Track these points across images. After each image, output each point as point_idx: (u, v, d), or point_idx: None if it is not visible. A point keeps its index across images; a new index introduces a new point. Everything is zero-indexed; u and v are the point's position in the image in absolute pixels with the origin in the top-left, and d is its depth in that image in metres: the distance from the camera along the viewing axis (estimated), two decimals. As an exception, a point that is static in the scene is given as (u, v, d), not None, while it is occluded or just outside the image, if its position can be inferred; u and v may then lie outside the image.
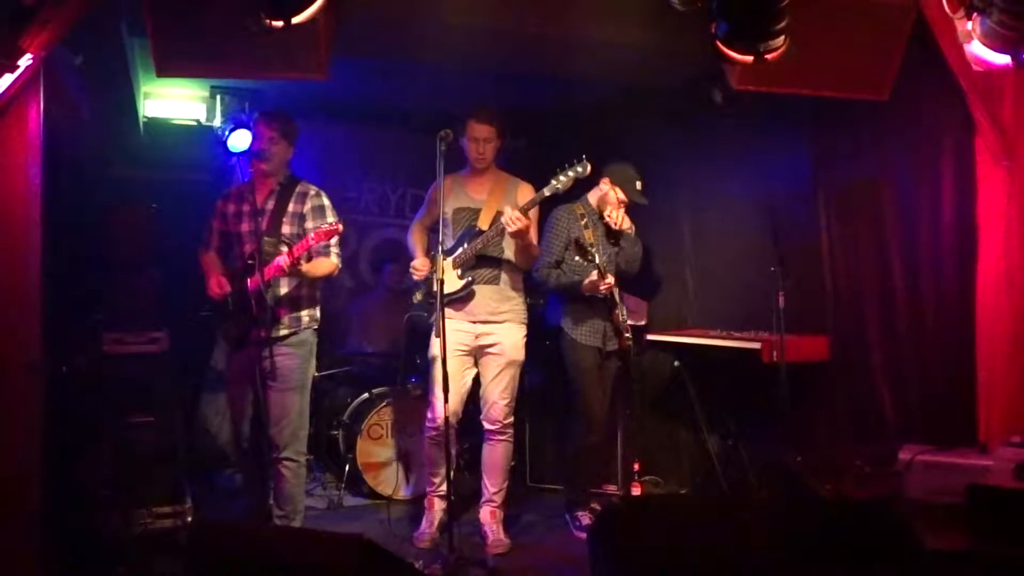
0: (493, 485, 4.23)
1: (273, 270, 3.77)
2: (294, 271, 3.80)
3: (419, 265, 4.24)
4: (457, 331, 4.09)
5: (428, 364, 4.21)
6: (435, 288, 4.09)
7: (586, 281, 4.37)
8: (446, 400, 3.84)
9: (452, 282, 4.10)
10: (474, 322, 4.14)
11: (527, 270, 4.35)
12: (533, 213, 4.14)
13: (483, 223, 4.15)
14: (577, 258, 4.33)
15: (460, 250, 4.14)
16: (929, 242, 4.12)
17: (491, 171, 4.27)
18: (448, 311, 4.07)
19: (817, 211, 4.66)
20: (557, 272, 4.46)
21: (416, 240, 4.37)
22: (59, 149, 3.70)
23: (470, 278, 4.12)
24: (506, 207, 4.01)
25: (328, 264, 3.93)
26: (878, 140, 4.37)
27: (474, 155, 4.18)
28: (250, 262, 3.78)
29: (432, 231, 4.33)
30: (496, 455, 4.22)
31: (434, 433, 4.15)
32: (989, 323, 3.76)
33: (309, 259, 3.88)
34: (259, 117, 4.01)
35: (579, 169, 3.99)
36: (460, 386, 4.11)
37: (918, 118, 4.13)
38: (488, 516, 4.21)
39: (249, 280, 3.78)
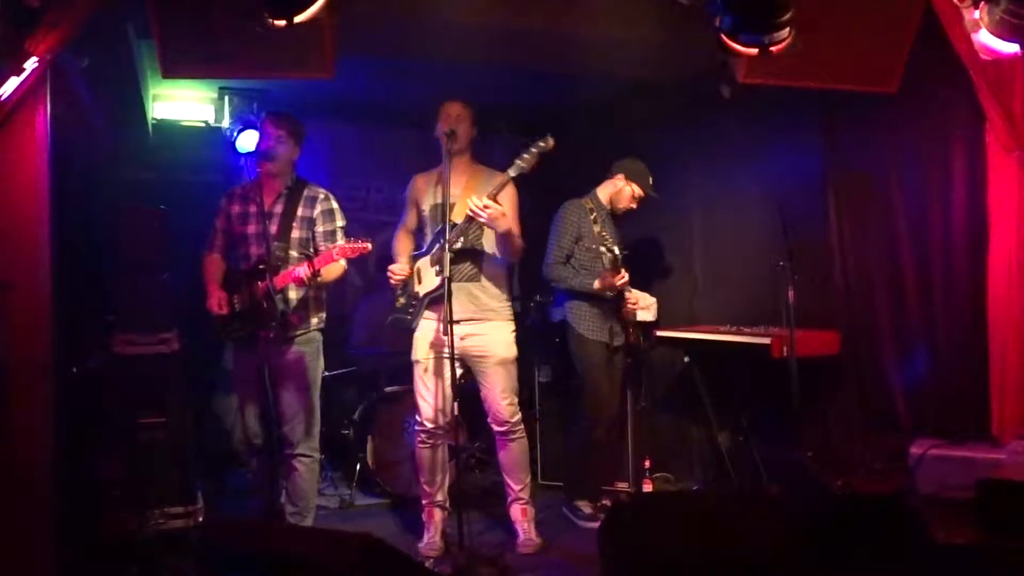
0: (517, 483, 4.14)
1: (289, 279, 3.74)
2: (312, 283, 3.78)
3: (396, 269, 4.07)
4: (439, 333, 3.96)
5: (412, 367, 4.11)
6: (415, 290, 4.07)
7: (596, 283, 4.39)
8: (455, 397, 3.82)
9: (430, 280, 4.00)
10: (457, 322, 3.86)
11: (513, 263, 4.22)
12: (511, 201, 3.99)
13: (457, 217, 3.92)
14: (592, 246, 4.31)
15: (436, 247, 3.95)
16: (940, 235, 4.09)
17: (467, 164, 4.09)
18: (428, 312, 4.03)
19: (827, 205, 4.64)
20: (570, 271, 4.48)
21: (400, 246, 4.22)
22: (67, 151, 3.72)
23: (447, 275, 3.87)
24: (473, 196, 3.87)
25: (338, 268, 3.91)
26: (887, 133, 4.34)
27: (445, 128, 3.92)
28: (261, 267, 3.77)
29: (416, 234, 4.24)
30: (513, 455, 4.12)
31: (424, 436, 4.08)
32: (1001, 315, 3.73)
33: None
34: (267, 117, 4.00)
35: (541, 144, 3.82)
36: (445, 389, 3.97)
37: (928, 110, 4.10)
38: (519, 514, 4.14)
39: (259, 284, 3.77)
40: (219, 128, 5.12)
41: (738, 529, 2.81)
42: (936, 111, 4.07)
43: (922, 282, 4.18)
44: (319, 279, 3.81)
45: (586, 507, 4.48)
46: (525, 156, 3.82)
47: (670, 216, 5.28)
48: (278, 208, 3.93)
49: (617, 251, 4.31)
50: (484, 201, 3.76)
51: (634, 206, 4.67)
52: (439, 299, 3.91)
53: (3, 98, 3.13)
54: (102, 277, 4.37)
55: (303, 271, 3.70)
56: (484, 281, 4.05)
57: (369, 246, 3.74)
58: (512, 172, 3.84)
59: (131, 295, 4.30)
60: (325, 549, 2.56)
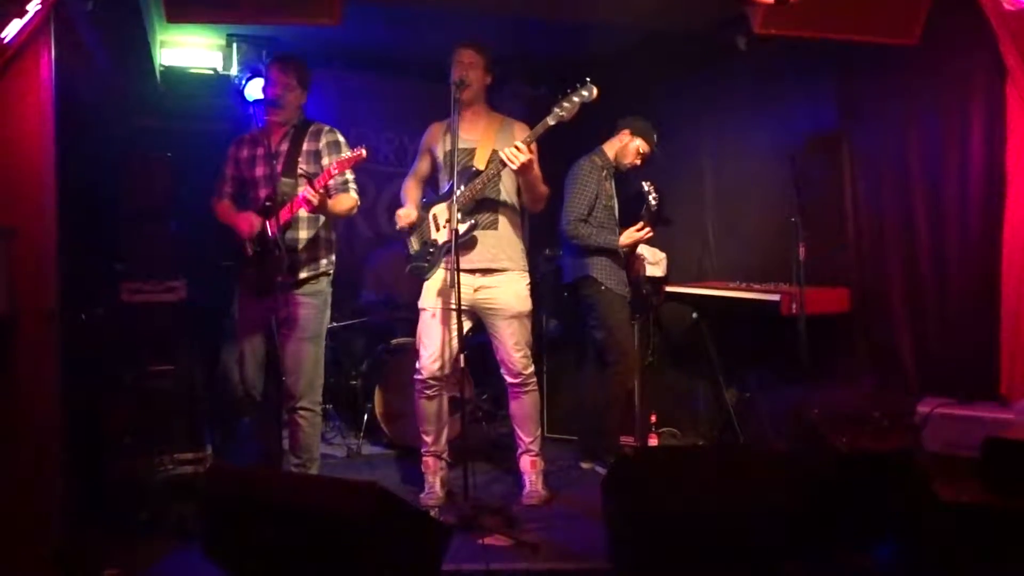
0: (527, 435, 4.13)
1: (298, 204, 3.68)
2: (321, 205, 3.70)
3: (403, 213, 4.04)
4: (449, 282, 3.85)
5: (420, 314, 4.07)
6: (432, 237, 4.01)
7: (623, 238, 4.42)
8: (462, 349, 3.80)
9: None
10: (473, 272, 3.89)
11: (536, 212, 4.15)
12: (535, 148, 3.90)
13: (479, 163, 3.89)
14: (608, 203, 4.29)
15: (457, 193, 3.83)
16: (955, 192, 4.01)
17: (483, 111, 4.06)
18: (444, 261, 3.96)
19: (841, 160, 4.56)
20: (592, 229, 4.46)
21: (408, 192, 4.19)
22: (72, 96, 3.67)
23: (472, 222, 3.88)
24: (503, 145, 3.81)
25: (349, 200, 3.88)
26: (905, 87, 4.24)
27: (455, 78, 3.88)
28: (268, 204, 3.74)
29: (427, 182, 4.20)
30: (525, 407, 4.10)
31: (422, 387, 4.04)
32: (1015, 275, 3.67)
33: (329, 195, 3.83)
34: (273, 62, 3.93)
35: (584, 93, 3.72)
36: (451, 340, 3.93)
37: (947, 63, 3.99)
38: (528, 465, 4.13)
39: (268, 223, 3.73)
40: (227, 76, 5.07)
41: (743, 485, 2.82)
42: (955, 64, 3.96)
43: (935, 239, 4.11)
44: (327, 207, 3.76)
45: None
46: (565, 105, 3.72)
47: (681, 170, 5.22)
48: (284, 146, 3.89)
49: (655, 201, 4.30)
50: (514, 149, 3.70)
51: (639, 163, 4.64)
52: (458, 247, 3.83)
53: (6, 40, 3.08)
54: (109, 225, 4.36)
55: (308, 191, 3.63)
56: (502, 229, 4.00)
57: (363, 152, 3.67)
58: (551, 120, 3.73)
59: (138, 243, 4.31)
60: (329, 497, 2.57)
